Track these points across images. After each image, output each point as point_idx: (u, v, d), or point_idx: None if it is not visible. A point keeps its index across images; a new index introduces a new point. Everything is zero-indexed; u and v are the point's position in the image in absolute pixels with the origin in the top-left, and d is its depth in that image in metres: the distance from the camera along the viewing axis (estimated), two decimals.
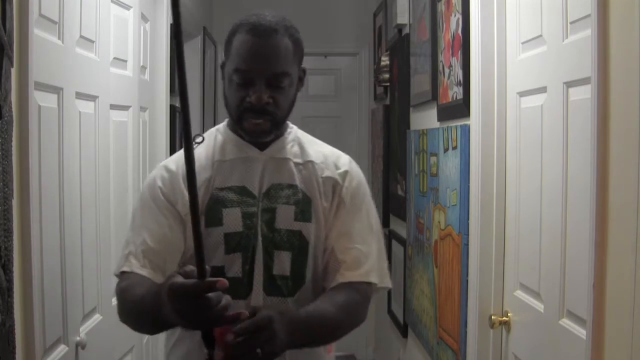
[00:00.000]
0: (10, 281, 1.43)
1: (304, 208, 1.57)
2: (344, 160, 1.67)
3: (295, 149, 1.64)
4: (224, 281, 1.16)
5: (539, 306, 1.97)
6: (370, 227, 1.63)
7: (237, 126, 1.59)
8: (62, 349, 1.84)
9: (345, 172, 1.63)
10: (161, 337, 3.03)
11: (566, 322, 1.79)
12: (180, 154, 1.63)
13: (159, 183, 1.58)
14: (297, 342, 1.40)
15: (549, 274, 1.90)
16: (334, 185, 1.61)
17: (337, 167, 1.64)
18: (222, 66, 1.59)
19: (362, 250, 1.57)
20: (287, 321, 1.35)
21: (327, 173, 1.62)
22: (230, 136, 1.63)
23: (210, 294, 1.16)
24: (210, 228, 1.54)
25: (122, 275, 1.54)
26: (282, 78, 1.52)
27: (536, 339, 1.99)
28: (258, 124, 1.53)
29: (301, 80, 1.63)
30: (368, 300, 1.59)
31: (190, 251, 1.52)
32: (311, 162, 1.62)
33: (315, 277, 1.59)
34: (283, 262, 1.55)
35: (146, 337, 2.81)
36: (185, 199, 1.51)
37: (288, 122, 1.68)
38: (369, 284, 1.57)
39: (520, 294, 2.12)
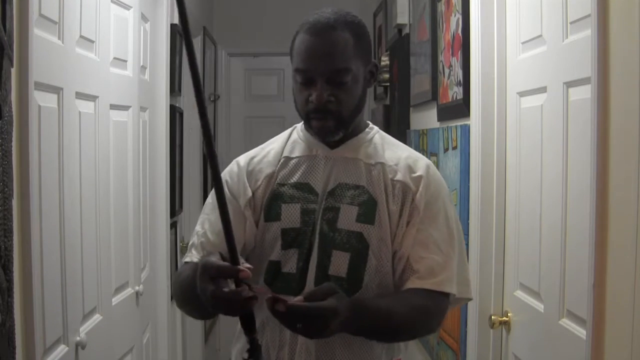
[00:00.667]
0: (10, 281, 1.43)
1: (367, 210, 1.52)
2: (421, 165, 1.58)
3: (370, 149, 1.59)
4: (246, 272, 1.19)
5: (539, 306, 1.97)
6: (450, 236, 1.55)
7: (305, 126, 1.59)
8: (62, 349, 1.84)
9: (420, 177, 1.55)
10: (161, 337, 3.04)
11: (566, 322, 1.79)
12: (255, 149, 1.65)
13: (227, 177, 1.61)
14: (352, 331, 1.40)
15: (549, 274, 1.90)
16: (405, 190, 1.54)
17: (411, 172, 1.56)
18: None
19: (437, 260, 1.50)
20: (352, 313, 1.34)
21: (398, 176, 1.55)
22: (303, 134, 1.62)
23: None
24: (269, 222, 1.55)
25: (184, 265, 1.56)
26: (343, 74, 1.49)
27: (536, 339, 1.99)
28: (323, 123, 1.51)
29: (373, 75, 1.58)
30: (441, 310, 1.53)
31: (252, 245, 1.55)
32: (382, 163, 1.56)
33: (380, 283, 1.53)
34: (340, 263, 1.50)
35: (146, 336, 2.81)
36: (247, 193, 1.56)
37: (368, 122, 1.65)
38: (444, 294, 1.51)
39: (520, 294, 2.12)
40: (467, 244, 2.36)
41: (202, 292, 1.24)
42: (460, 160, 2.46)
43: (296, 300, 1.29)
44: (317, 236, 1.52)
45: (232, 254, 1.21)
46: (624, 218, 1.38)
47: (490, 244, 2.25)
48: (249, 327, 1.26)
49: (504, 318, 2.19)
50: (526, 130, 2.09)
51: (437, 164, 2.80)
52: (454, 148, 2.53)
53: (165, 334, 3.07)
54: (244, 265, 1.22)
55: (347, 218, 1.51)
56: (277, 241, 1.53)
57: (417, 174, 1.56)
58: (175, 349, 3.29)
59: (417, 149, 3.21)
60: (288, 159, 1.59)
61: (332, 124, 1.52)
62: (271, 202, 1.55)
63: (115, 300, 2.35)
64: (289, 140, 1.63)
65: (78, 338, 1.94)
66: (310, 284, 1.49)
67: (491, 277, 2.24)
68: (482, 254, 2.26)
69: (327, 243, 1.51)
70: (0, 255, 1.39)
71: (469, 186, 2.36)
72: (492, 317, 2.20)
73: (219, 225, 1.49)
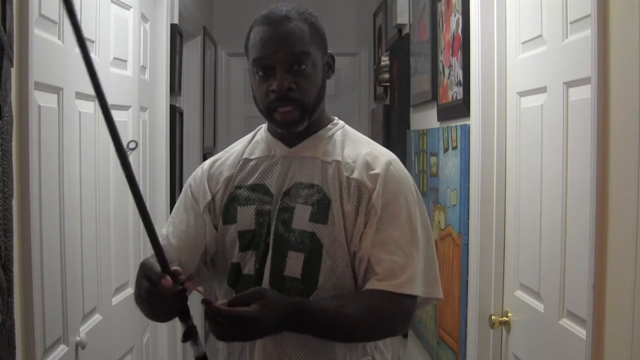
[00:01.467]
0: (10, 281, 1.43)
1: (320, 209, 1.48)
2: (380, 162, 1.51)
3: (328, 147, 1.55)
4: (167, 280, 1.24)
5: (539, 306, 1.97)
6: (413, 235, 1.49)
7: (268, 121, 1.56)
8: (62, 349, 1.84)
9: (377, 175, 1.49)
10: (161, 337, 3.04)
11: (566, 322, 1.80)
12: (222, 152, 1.65)
13: (191, 180, 1.62)
14: (295, 331, 1.41)
15: (549, 274, 1.90)
16: (361, 188, 1.49)
17: (369, 169, 1.50)
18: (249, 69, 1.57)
19: (397, 261, 1.45)
20: (289, 315, 1.35)
21: (354, 174, 1.50)
22: (264, 135, 1.61)
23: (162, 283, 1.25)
24: (226, 225, 1.55)
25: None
26: (302, 58, 1.48)
27: (536, 339, 1.99)
28: (286, 112, 1.48)
29: (330, 67, 1.58)
30: (404, 312, 1.48)
31: (214, 249, 1.56)
32: (337, 161, 1.52)
33: (336, 284, 1.50)
34: (295, 264, 1.48)
35: (146, 336, 2.81)
36: (207, 196, 1.57)
37: (333, 117, 1.62)
38: (407, 295, 1.46)
39: (520, 294, 2.12)
40: (467, 244, 2.36)
41: (140, 290, 1.32)
42: (460, 160, 2.46)
43: (220, 303, 1.30)
44: (272, 237, 1.51)
45: (160, 261, 1.26)
46: (624, 218, 1.38)
47: (490, 244, 2.25)
48: (183, 318, 1.30)
49: (504, 318, 2.19)
50: (526, 130, 2.09)
51: (437, 164, 2.80)
52: (454, 148, 2.53)
53: (165, 334, 3.08)
54: (172, 268, 1.27)
55: (301, 218, 1.49)
56: (235, 243, 1.53)
57: (375, 171, 1.50)
58: (175, 349, 3.29)
59: (416, 149, 3.21)
60: (247, 160, 1.59)
61: (297, 114, 1.49)
62: (228, 205, 1.55)
63: (115, 300, 2.35)
64: (251, 142, 1.63)
65: (78, 338, 1.94)
66: (265, 286, 1.48)
67: (491, 277, 2.24)
68: (482, 254, 2.26)
69: (282, 244, 1.50)
70: (0, 255, 1.39)
71: (469, 186, 2.36)
72: (492, 317, 2.20)
73: (181, 227, 1.57)
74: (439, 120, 2.84)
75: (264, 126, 1.64)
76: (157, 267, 1.27)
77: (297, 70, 1.48)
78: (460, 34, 2.46)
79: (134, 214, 2.58)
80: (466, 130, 2.39)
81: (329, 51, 1.58)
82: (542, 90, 1.95)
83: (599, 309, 1.45)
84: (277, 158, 1.56)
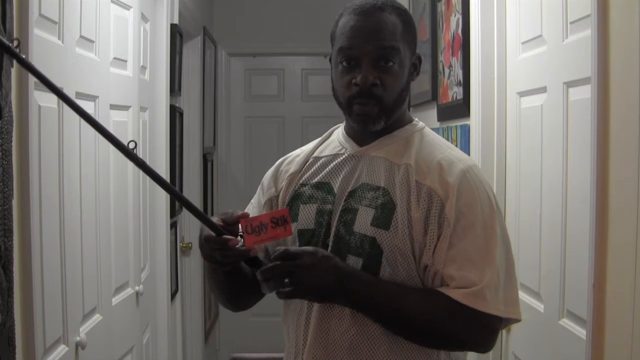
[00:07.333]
0: (10, 281, 1.43)
1: (383, 214, 1.39)
2: (456, 170, 1.39)
3: (401, 148, 1.46)
4: (234, 240, 1.31)
5: (539, 306, 1.97)
6: (487, 250, 1.36)
7: (346, 115, 1.48)
8: (62, 349, 1.84)
9: (451, 184, 1.37)
10: (161, 337, 3.04)
11: (566, 322, 1.80)
12: (299, 148, 1.62)
13: (265, 176, 1.63)
14: (348, 295, 1.36)
15: (549, 274, 1.90)
16: (432, 196, 1.38)
17: (443, 176, 1.39)
18: (330, 58, 1.50)
19: (470, 279, 1.34)
20: (343, 269, 1.35)
21: (426, 181, 1.39)
22: (339, 133, 1.57)
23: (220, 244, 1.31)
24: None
25: None
26: (390, 54, 1.40)
27: (536, 339, 1.99)
28: (366, 108, 1.41)
29: (416, 68, 1.49)
30: (466, 323, 1.35)
31: (275, 245, 1.50)
32: (408, 164, 1.42)
33: None
34: None
35: (146, 336, 2.81)
36: (270, 192, 1.58)
37: (415, 119, 1.54)
38: (471, 308, 1.34)
39: (520, 294, 2.11)
40: None
41: (203, 253, 1.36)
42: None
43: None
44: (332, 238, 1.45)
45: (213, 230, 1.32)
46: (624, 218, 1.38)
47: None
48: (254, 265, 1.36)
49: None
50: (526, 130, 2.09)
51: None
52: None
53: (165, 334, 3.07)
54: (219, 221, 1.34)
55: (363, 221, 1.41)
56: (295, 242, 1.49)
57: (449, 178, 1.38)
58: (175, 349, 3.29)
59: None
60: (317, 159, 1.55)
61: (375, 110, 1.42)
62: (292, 203, 1.52)
63: (115, 300, 2.35)
64: (326, 140, 1.59)
65: (78, 338, 1.94)
66: None
67: None
68: None
69: (341, 246, 1.43)
70: (0, 255, 1.39)
71: None
72: None
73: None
74: (439, 120, 2.84)
75: (341, 125, 1.59)
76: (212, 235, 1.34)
77: (384, 66, 1.41)
78: (460, 34, 2.46)
79: (134, 213, 2.58)
80: (466, 130, 2.40)
81: (417, 52, 1.50)
82: (542, 90, 1.95)
83: (599, 309, 1.45)
84: (346, 157, 1.51)
